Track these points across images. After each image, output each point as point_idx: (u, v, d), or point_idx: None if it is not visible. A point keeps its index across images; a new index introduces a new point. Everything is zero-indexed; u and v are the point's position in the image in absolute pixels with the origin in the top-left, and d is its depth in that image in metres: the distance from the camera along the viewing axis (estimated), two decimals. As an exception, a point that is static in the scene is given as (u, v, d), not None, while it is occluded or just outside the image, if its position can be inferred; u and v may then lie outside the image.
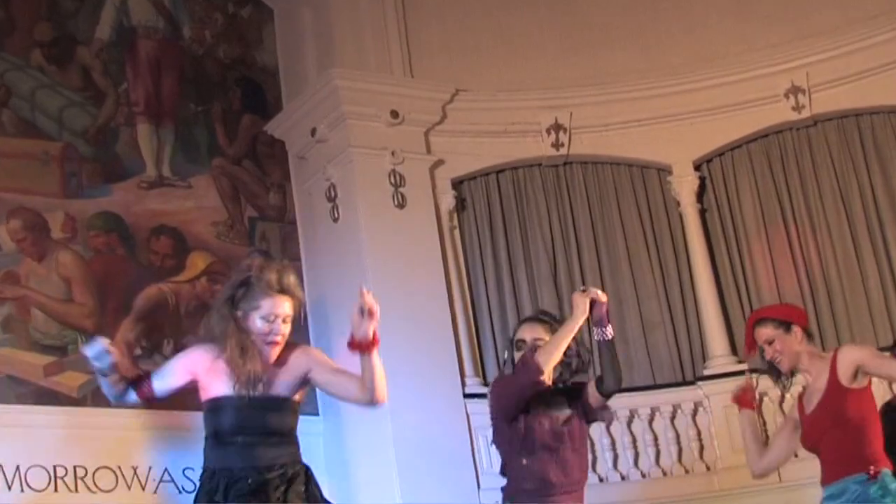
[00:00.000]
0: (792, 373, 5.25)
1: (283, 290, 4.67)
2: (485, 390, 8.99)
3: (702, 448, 9.03)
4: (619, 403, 9.03)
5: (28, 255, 8.32)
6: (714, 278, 9.45)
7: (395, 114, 9.23)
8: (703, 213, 9.68)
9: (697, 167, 9.70)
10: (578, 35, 9.86)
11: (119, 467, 7.96)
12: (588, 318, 4.97)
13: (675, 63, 9.65)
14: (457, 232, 9.52)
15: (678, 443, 9.08)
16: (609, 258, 9.69)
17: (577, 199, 9.82)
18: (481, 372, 9.20)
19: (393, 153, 9.20)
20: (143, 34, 9.41)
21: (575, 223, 9.77)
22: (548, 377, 4.99)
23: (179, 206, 9.11)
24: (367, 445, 8.60)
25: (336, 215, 9.25)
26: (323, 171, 9.33)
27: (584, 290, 4.94)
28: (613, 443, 9.07)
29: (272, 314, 4.64)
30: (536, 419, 4.96)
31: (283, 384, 4.66)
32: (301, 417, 9.46)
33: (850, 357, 5.11)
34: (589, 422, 5.14)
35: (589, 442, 5.32)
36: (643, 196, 9.84)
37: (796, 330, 5.19)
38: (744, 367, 8.89)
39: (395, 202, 9.16)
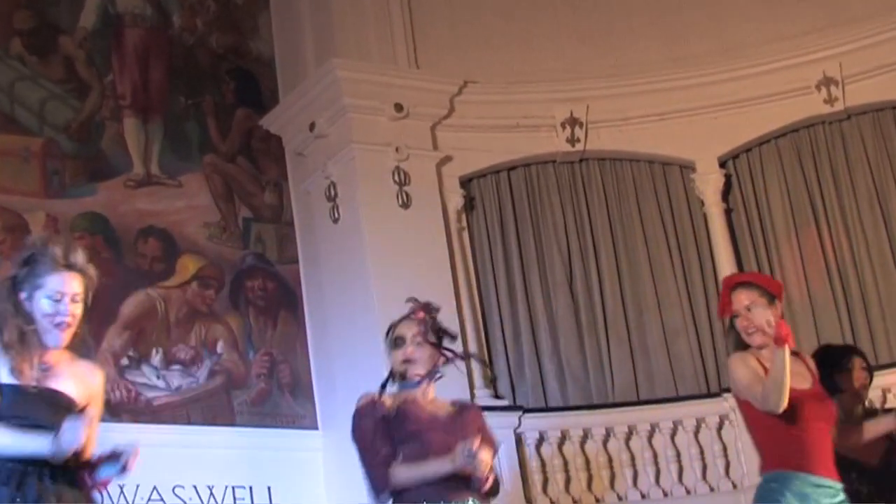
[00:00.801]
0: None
1: (69, 266, 4.42)
2: (496, 403, 8.99)
3: (727, 464, 9.00)
4: (640, 417, 9.05)
5: (7, 258, 8.29)
6: (741, 283, 9.40)
7: (399, 107, 9.21)
8: (728, 213, 9.66)
9: (723, 164, 9.69)
10: (596, 23, 9.84)
11: (104, 485, 7.94)
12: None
13: (699, 53, 9.64)
14: (465, 234, 9.50)
15: (702, 459, 9.05)
16: (628, 261, 9.67)
17: (594, 198, 9.80)
18: (492, 384, 9.17)
19: (397, 149, 9.18)
20: (130, 22, 9.41)
21: (592, 224, 9.74)
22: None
23: (169, 205, 9.11)
24: (370, 462, 8.55)
25: (336, 216, 9.24)
26: (322, 168, 9.32)
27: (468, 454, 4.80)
28: (633, 459, 9.04)
29: (59, 292, 4.37)
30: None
31: (67, 382, 4.40)
32: (299, 432, 9.49)
33: (815, 368, 5.19)
34: None
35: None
36: (665, 195, 9.82)
37: (778, 304, 5.15)
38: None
39: (400, 202, 9.14)
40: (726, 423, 9.04)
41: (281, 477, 8.67)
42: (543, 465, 8.93)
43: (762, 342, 5.06)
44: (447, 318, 8.81)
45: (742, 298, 5.12)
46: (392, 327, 5.08)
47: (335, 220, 9.24)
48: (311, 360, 9.20)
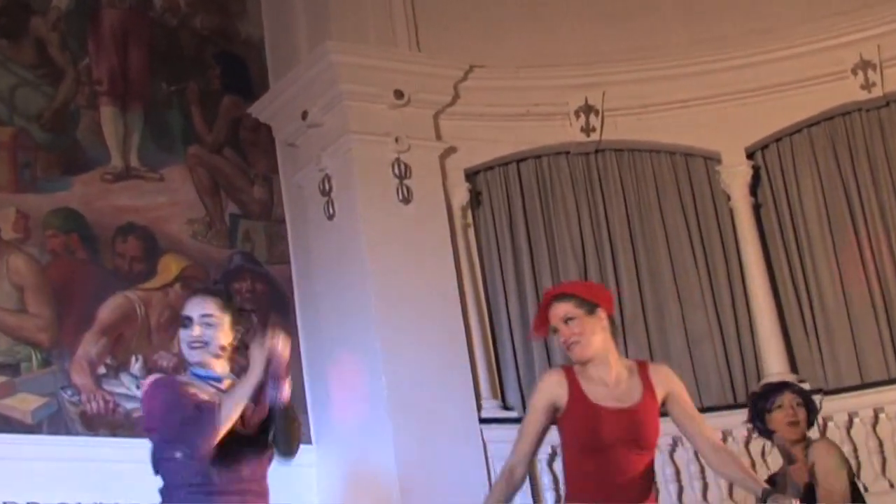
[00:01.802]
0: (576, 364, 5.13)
1: None
2: (505, 414, 8.97)
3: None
4: (661, 430, 9.00)
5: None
6: (770, 284, 9.42)
7: (399, 94, 9.22)
8: (757, 208, 9.65)
9: (751, 155, 9.68)
10: (613, 2, 9.84)
11: (80, 504, 7.96)
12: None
13: (725, 35, 9.64)
14: (471, 230, 9.51)
15: (728, 475, 9.02)
16: (648, 261, 9.66)
17: (611, 192, 9.80)
18: (500, 393, 9.17)
19: (397, 140, 9.19)
20: (108, 2, 9.44)
21: (608, 221, 9.74)
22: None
23: (150, 201, 9.12)
24: (367, 478, 8.56)
25: (331, 212, 9.24)
26: (316, 160, 9.31)
27: (262, 343, 4.77)
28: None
29: None
30: None
31: None
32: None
33: (668, 380, 5.12)
34: None
35: None
36: (688, 189, 9.82)
37: (601, 314, 5.10)
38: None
39: (400, 196, 9.14)
40: (754, 435, 9.00)
41: (272, 494, 8.63)
42: (556, 482, 8.91)
43: (581, 356, 5.04)
44: (451, 321, 8.93)
45: (558, 311, 5.10)
46: (184, 303, 4.99)
47: (330, 217, 9.24)
48: (303, 367, 9.19)
